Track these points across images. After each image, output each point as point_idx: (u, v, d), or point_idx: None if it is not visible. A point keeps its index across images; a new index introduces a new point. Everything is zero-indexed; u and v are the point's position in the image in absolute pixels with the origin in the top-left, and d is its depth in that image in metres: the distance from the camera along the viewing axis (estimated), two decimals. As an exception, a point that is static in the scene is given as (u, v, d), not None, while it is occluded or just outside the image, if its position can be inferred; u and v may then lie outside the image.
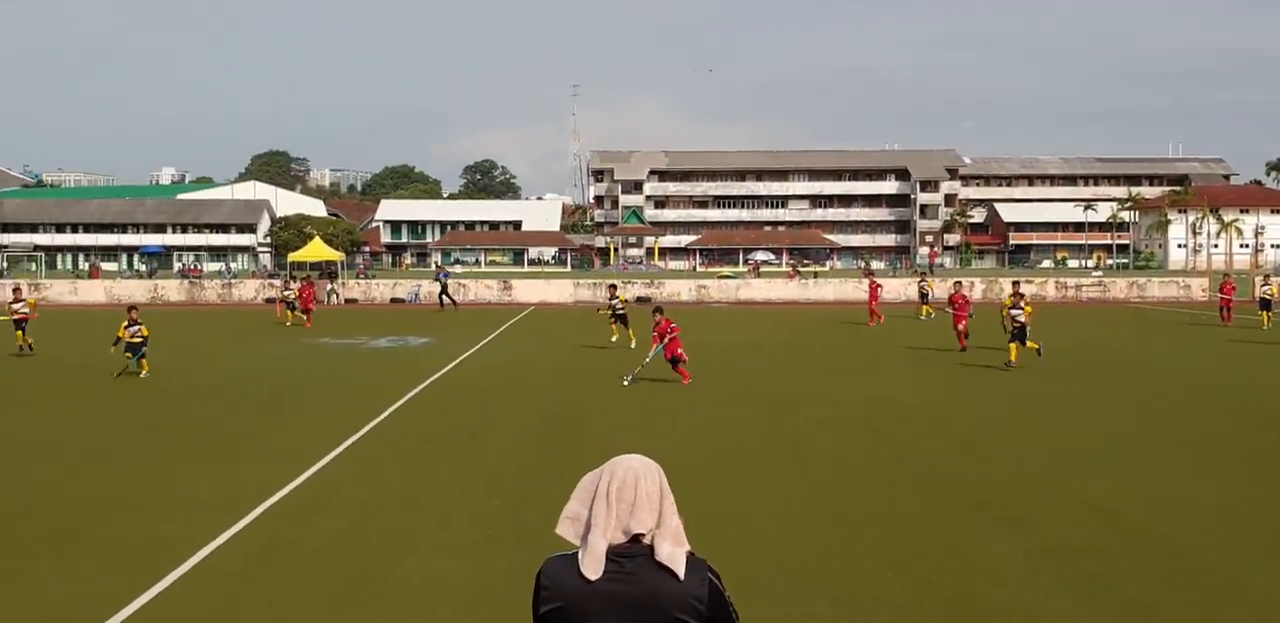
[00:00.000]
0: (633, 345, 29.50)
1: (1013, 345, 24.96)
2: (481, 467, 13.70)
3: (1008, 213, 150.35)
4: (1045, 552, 9.76)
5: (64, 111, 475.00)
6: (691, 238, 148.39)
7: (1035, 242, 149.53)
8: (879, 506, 11.54)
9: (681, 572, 3.21)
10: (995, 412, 18.42)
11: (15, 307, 29.33)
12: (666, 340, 22.03)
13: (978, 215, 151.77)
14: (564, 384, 22.28)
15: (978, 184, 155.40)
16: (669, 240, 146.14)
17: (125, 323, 23.80)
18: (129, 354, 23.72)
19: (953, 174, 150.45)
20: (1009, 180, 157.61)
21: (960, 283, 32.27)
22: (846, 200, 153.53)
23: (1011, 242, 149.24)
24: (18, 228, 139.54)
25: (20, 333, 28.75)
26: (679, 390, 21.01)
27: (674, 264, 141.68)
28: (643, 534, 3.27)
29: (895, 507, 11.47)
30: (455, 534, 10.43)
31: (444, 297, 50.51)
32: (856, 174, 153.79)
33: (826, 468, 13.59)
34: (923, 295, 44.62)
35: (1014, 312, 25.27)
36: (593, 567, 3.23)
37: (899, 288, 59.35)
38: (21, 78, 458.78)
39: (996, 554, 9.68)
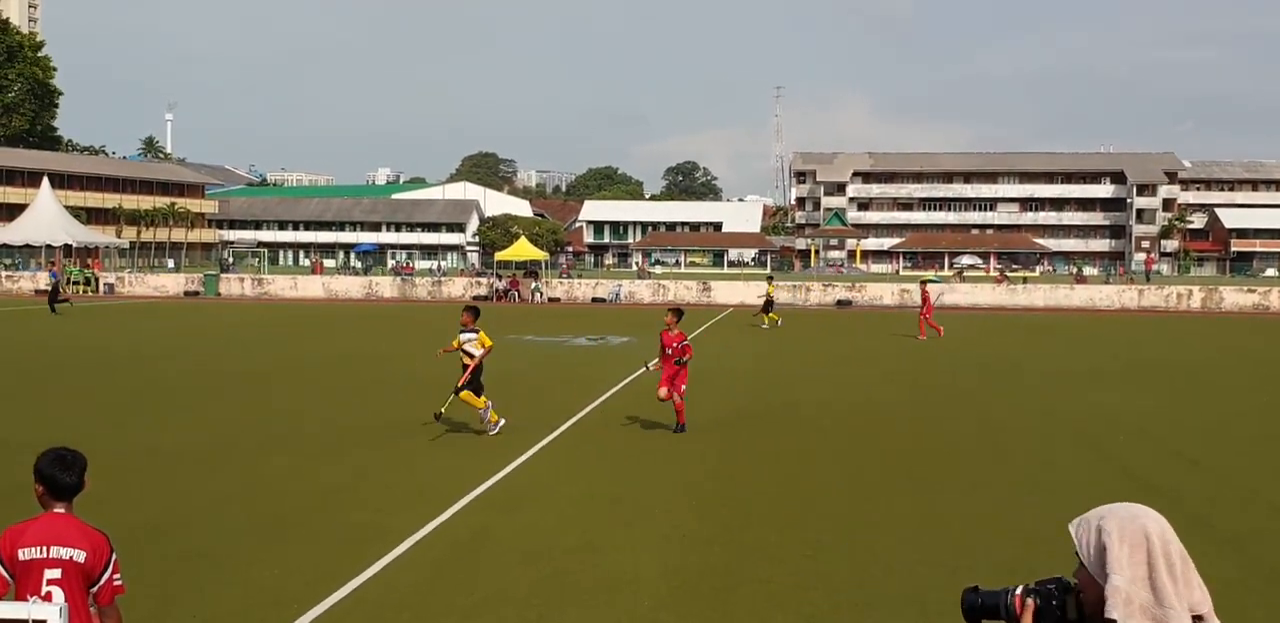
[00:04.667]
0: (779, 323, 38.16)
1: None
2: (678, 464, 13.78)
3: (1229, 219, 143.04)
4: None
5: (289, 114, 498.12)
6: (895, 241, 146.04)
7: (1259, 249, 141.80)
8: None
9: None
10: (1237, 428, 17.58)
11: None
12: (672, 354, 16.04)
13: (1197, 221, 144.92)
14: (762, 383, 22.22)
15: (1197, 188, 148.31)
16: (871, 243, 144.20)
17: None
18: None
19: (1171, 178, 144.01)
20: (1231, 185, 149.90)
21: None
22: (1058, 204, 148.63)
23: (1233, 249, 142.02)
24: (243, 225, 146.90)
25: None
26: (893, 386, 20.66)
27: (876, 267, 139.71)
28: (1203, 617, 2.81)
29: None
30: (652, 530, 10.51)
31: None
32: (1069, 177, 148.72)
33: (1060, 487, 13.18)
34: None
35: None
36: None
37: (1113, 295, 57.25)
38: (250, 81, 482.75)
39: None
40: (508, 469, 13.38)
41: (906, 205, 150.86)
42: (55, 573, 4.77)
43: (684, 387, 16.04)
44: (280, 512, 11.22)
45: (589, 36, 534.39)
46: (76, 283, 60.66)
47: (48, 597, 4.70)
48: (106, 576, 4.86)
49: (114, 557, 4.89)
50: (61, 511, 4.94)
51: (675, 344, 16.00)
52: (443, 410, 15.70)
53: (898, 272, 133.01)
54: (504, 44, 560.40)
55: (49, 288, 48.19)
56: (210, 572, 9.12)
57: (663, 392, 15.95)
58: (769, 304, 39.89)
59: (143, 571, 8.48)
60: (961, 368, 26.06)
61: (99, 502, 9.04)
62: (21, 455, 13.13)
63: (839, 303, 56.64)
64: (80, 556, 4.79)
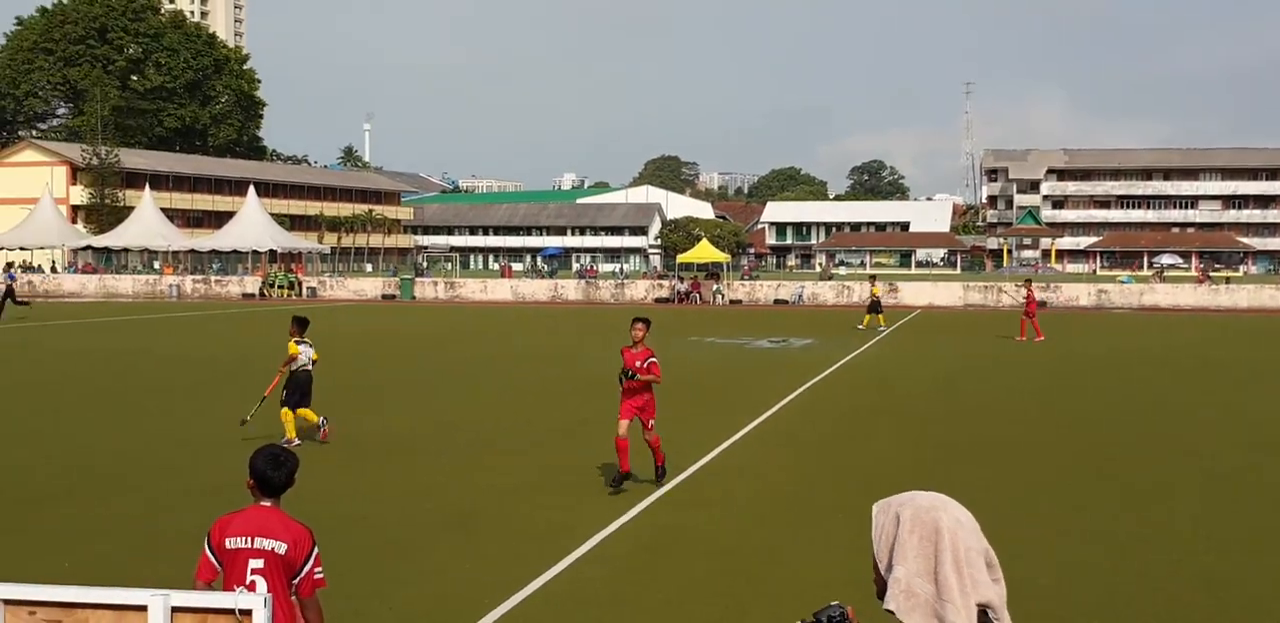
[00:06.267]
0: (882, 328, 37.18)
1: None
2: (860, 467, 13.64)
3: None
4: None
5: (480, 122, 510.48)
6: (1091, 240, 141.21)
7: None
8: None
9: None
10: None
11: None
12: (635, 375, 12.29)
13: None
14: (945, 387, 21.81)
15: None
16: (1066, 242, 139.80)
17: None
18: None
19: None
20: None
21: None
22: (1263, 201, 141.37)
23: None
24: (437, 230, 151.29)
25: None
26: (1083, 394, 20.04)
27: (1071, 267, 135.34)
28: (990, 608, 2.72)
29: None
30: (836, 533, 10.43)
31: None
32: (1276, 173, 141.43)
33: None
34: None
35: None
36: None
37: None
38: (444, 91, 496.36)
39: None
40: (692, 469, 13.45)
41: (1103, 203, 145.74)
42: (258, 563, 4.99)
43: (652, 420, 12.32)
44: (471, 506, 11.51)
45: (772, 37, 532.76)
46: (281, 287, 63.33)
47: (251, 586, 4.92)
48: (307, 568, 5.04)
49: (315, 550, 5.08)
50: (268, 504, 5.18)
51: (639, 362, 12.29)
52: None
53: (1094, 271, 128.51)
54: (686, 47, 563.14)
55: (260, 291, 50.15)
56: (404, 565, 9.42)
57: (622, 427, 12.12)
58: (875, 305, 39.13)
59: (341, 563, 8.80)
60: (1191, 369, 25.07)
61: (299, 493, 9.43)
62: (237, 449, 13.79)
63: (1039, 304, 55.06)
64: (282, 547, 5.00)
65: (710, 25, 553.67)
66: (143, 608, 3.62)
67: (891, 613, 2.77)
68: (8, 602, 3.68)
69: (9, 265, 62.15)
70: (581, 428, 16.63)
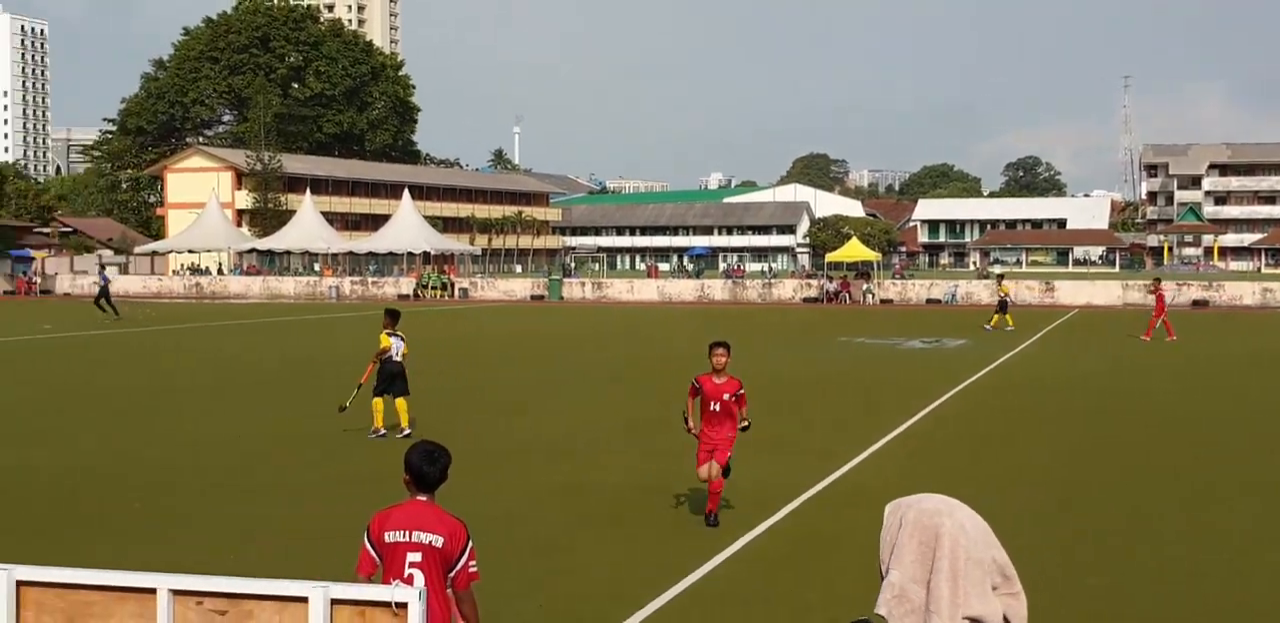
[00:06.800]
0: (1008, 326, 36.02)
1: None
2: (1016, 470, 13.35)
3: None
4: None
5: (627, 123, 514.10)
6: (1256, 237, 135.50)
7: None
8: None
9: None
10: None
11: None
12: (720, 411, 10.58)
13: None
14: (1108, 391, 21.18)
15: None
16: (1230, 239, 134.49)
17: None
18: None
19: None
20: None
21: None
22: None
23: None
24: (584, 231, 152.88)
25: None
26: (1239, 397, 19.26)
27: (1235, 265, 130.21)
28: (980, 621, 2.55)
29: None
30: (1001, 536, 10.18)
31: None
32: None
33: None
34: None
35: None
36: None
37: None
38: (591, 92, 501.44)
39: None
40: (843, 470, 13.31)
41: (1269, 199, 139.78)
42: (416, 557, 5.09)
43: (729, 455, 10.62)
44: (620, 504, 11.56)
45: (924, 31, 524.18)
46: (434, 288, 64.65)
47: (409, 580, 5.02)
48: (462, 562, 5.13)
49: (470, 545, 5.16)
50: (424, 499, 5.27)
51: (726, 395, 10.52)
52: None
53: (1259, 269, 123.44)
54: (835, 43, 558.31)
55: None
56: (553, 562, 9.52)
57: (704, 471, 10.61)
58: (1003, 304, 38.00)
59: (491, 560, 8.89)
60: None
61: (454, 491, 9.60)
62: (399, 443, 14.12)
63: (1194, 303, 53.12)
64: (439, 541, 5.09)
65: (860, 20, 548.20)
66: (304, 599, 3.72)
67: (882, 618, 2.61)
68: (176, 592, 3.81)
69: (103, 267, 64.60)
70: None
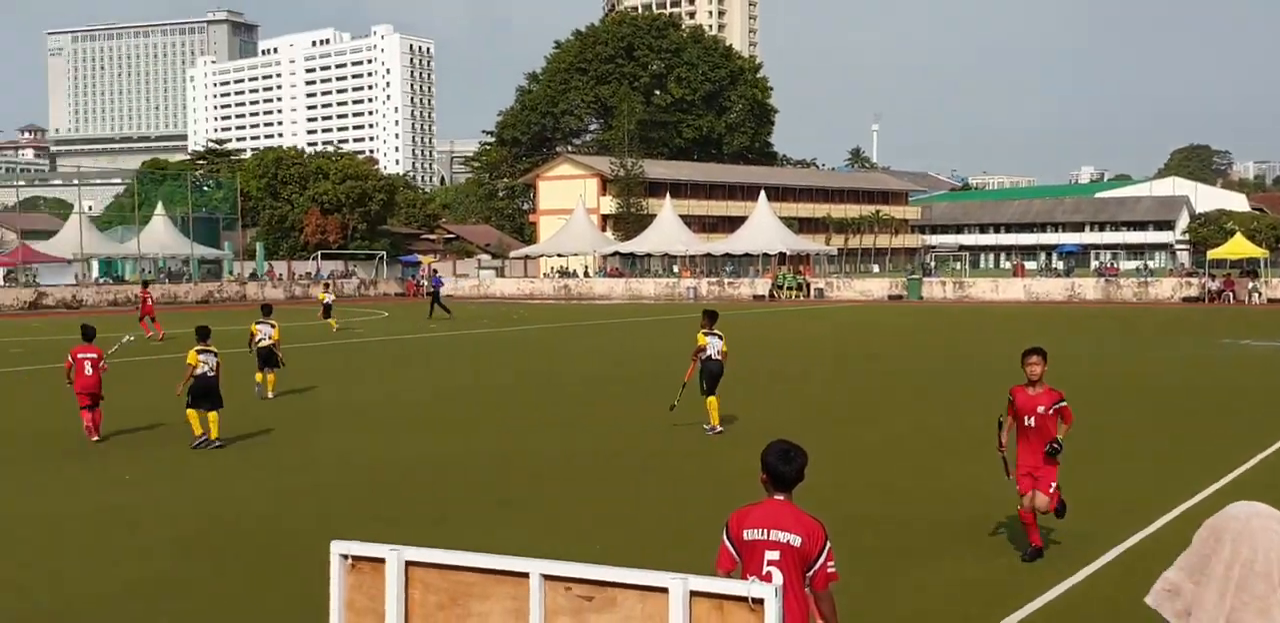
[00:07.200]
0: None
1: None
2: None
3: None
4: None
5: (990, 117, 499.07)
6: None
7: None
8: None
9: None
10: None
11: None
12: (1036, 425, 9.50)
13: None
14: None
15: None
16: None
17: None
18: None
19: None
20: None
21: None
22: None
23: None
24: (945, 229, 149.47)
25: None
26: None
27: None
28: None
29: None
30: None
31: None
32: None
33: None
34: None
35: None
36: None
37: None
38: (952, 87, 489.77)
39: None
40: (1221, 483, 12.42)
41: None
42: (774, 555, 5.16)
43: (1053, 484, 9.49)
44: (985, 515, 11.20)
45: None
46: (789, 288, 65.03)
47: (767, 577, 5.10)
48: (821, 561, 5.16)
49: (828, 545, 5.19)
50: (781, 498, 5.34)
51: (1041, 408, 9.48)
52: None
53: None
54: (1215, 27, 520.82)
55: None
56: (918, 566, 9.39)
57: (1033, 501, 9.48)
58: None
59: (856, 560, 8.87)
60: None
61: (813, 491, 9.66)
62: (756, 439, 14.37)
63: None
64: (796, 540, 5.15)
65: (1244, 8, 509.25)
66: (664, 590, 3.86)
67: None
68: (547, 577, 4.05)
69: (435, 270, 68.14)
70: (1104, 443, 15.84)
